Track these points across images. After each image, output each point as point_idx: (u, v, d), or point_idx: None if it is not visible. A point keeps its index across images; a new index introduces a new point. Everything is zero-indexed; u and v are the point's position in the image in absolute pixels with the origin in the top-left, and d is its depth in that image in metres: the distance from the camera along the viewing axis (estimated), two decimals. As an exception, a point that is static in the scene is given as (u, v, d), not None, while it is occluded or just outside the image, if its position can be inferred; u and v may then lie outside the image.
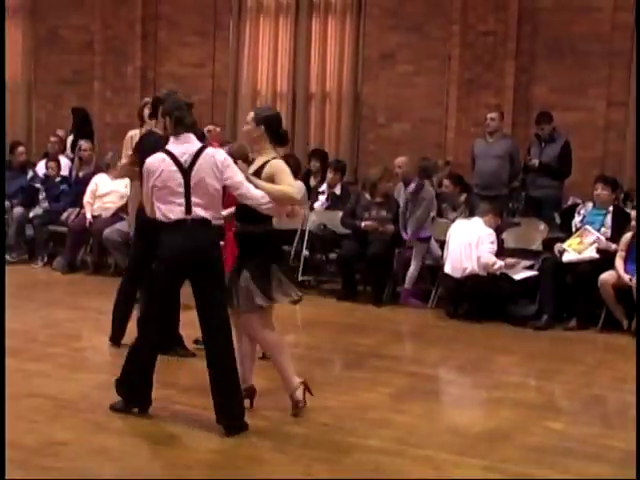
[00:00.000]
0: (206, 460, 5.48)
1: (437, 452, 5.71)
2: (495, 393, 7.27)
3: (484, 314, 9.76)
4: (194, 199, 5.85)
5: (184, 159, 5.87)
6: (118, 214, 11.84)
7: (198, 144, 5.97)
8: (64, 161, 13.20)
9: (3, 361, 1.95)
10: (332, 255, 11.36)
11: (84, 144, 12.97)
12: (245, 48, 13.93)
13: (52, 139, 13.58)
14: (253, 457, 5.57)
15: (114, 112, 14.35)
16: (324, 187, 11.98)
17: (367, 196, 10.96)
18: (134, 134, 8.32)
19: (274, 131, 6.25)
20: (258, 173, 6.10)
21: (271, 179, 6.05)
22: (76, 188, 12.59)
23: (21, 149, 13.39)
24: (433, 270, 10.83)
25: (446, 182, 11.08)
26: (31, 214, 12.73)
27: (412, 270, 10.66)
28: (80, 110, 14.04)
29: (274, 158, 6.19)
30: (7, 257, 12.46)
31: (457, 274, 9.83)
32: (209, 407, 5.95)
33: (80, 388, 6.58)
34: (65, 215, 12.40)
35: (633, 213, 9.81)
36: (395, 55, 13.07)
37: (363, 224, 10.69)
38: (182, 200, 5.85)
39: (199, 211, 5.87)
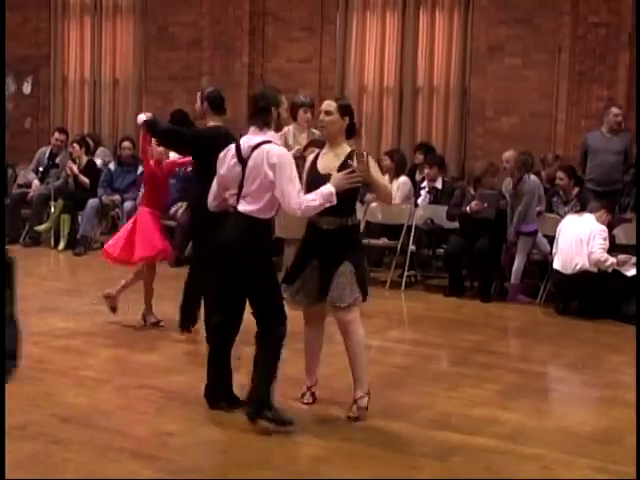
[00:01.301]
0: (311, 454, 5.48)
1: (547, 451, 5.60)
2: (606, 392, 7.11)
3: (595, 311, 9.55)
4: (244, 191, 5.80)
5: (244, 151, 5.84)
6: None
7: (261, 138, 5.84)
8: (172, 156, 13.35)
9: (3, 361, 1.99)
10: (439, 250, 11.27)
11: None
12: (352, 43, 13.91)
13: (162, 134, 13.78)
14: (358, 453, 5.54)
15: (222, 107, 14.47)
16: (425, 182, 11.85)
17: (471, 191, 10.81)
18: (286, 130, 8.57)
19: (352, 122, 6.16)
20: (345, 165, 5.93)
21: None
22: (185, 183, 12.72)
23: (126, 144, 13.60)
24: (542, 265, 10.65)
25: (560, 174, 10.83)
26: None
27: (517, 265, 10.50)
28: (178, 113, 14.14)
29: (353, 150, 6.07)
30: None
31: (567, 270, 9.65)
32: (323, 403, 5.93)
33: (187, 380, 6.65)
34: (173, 210, 12.56)
35: None
36: (504, 48, 12.88)
37: (468, 208, 10.51)
38: (235, 191, 5.87)
39: (244, 205, 5.80)
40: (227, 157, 5.96)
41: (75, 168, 13.11)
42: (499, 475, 5.22)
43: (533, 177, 10.64)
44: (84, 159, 13.38)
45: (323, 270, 6.02)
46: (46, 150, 14.09)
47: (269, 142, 5.81)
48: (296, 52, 14.26)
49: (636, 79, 11.18)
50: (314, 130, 8.61)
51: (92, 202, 13.20)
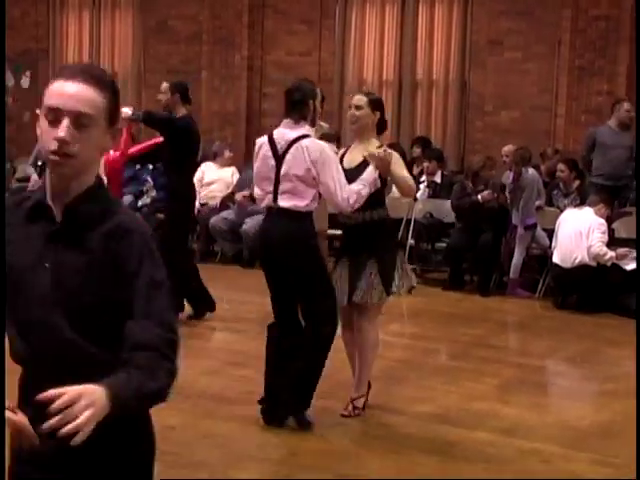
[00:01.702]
0: (312, 448, 5.48)
1: (546, 445, 5.61)
2: (606, 386, 7.12)
3: (594, 305, 9.56)
4: (282, 187, 5.62)
5: (280, 146, 5.67)
6: (225, 202, 11.94)
7: (298, 132, 5.65)
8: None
9: (3, 360, 1.97)
10: (438, 244, 11.26)
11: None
12: (351, 36, 13.89)
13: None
14: (358, 447, 5.56)
15: (222, 101, 14.47)
16: (424, 176, 11.82)
17: (470, 184, 10.80)
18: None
19: (383, 117, 6.05)
20: (366, 161, 5.81)
21: None
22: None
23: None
24: (541, 259, 10.65)
25: (561, 166, 10.81)
26: (139, 203, 12.93)
27: (516, 259, 10.49)
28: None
29: (382, 145, 6.01)
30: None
31: (566, 264, 9.65)
32: (322, 396, 5.93)
33: (188, 374, 6.64)
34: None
35: None
36: (503, 41, 12.86)
37: (479, 196, 10.48)
38: (271, 187, 5.72)
39: (283, 201, 5.63)
40: (261, 151, 5.82)
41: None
42: (497, 467, 5.23)
43: (532, 171, 10.63)
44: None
45: (351, 267, 5.93)
46: (45, 144, 14.07)
47: (307, 136, 5.61)
48: (295, 45, 14.24)
49: (636, 74, 11.14)
50: (322, 123, 8.54)
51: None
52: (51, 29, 16.10)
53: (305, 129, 5.65)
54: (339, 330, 5.93)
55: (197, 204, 12.03)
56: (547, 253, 10.26)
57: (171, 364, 2.30)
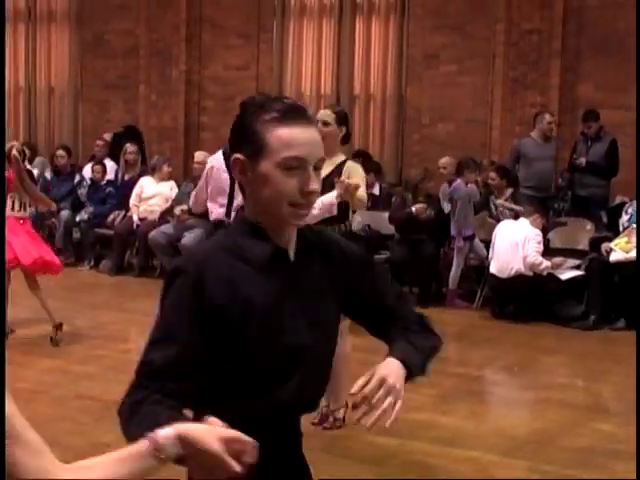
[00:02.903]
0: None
1: (483, 453, 5.68)
2: (542, 394, 7.21)
3: (530, 314, 9.68)
4: (235, 202, 5.65)
5: None
6: (164, 217, 11.91)
7: None
8: (110, 164, 13.31)
9: (3, 360, 1.95)
10: (377, 256, 11.33)
11: (129, 147, 13.00)
12: (289, 50, 13.94)
13: (98, 143, 13.70)
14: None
15: (159, 115, 14.43)
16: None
17: (409, 197, 10.91)
18: None
19: (348, 131, 6.07)
20: (339, 171, 5.88)
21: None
22: (122, 191, 12.68)
23: (61, 152, 13.49)
24: (479, 270, 10.77)
25: (492, 174, 10.94)
26: (77, 218, 12.85)
27: (454, 270, 10.59)
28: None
29: (347, 159, 6.05)
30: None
31: (503, 274, 9.77)
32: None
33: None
34: (111, 218, 12.49)
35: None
36: (439, 55, 13.00)
37: (413, 208, 10.57)
38: (225, 201, 5.74)
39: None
40: (215, 166, 5.76)
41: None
42: (435, 477, 5.28)
43: (459, 183, 10.71)
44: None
45: None
46: (-20, 159, 13.92)
47: None
48: (233, 59, 14.26)
49: (636, 78, 11.24)
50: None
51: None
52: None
53: None
54: None
55: (136, 218, 12.02)
56: (485, 264, 10.38)
57: (433, 330, 2.61)
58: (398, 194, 11.60)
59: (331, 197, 5.64)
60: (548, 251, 10.04)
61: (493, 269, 9.93)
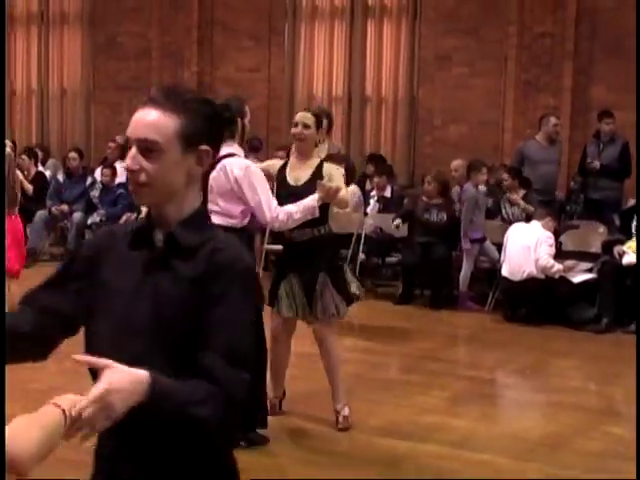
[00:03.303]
0: (263, 464, 5.47)
1: (495, 457, 5.66)
2: (554, 397, 7.19)
3: (543, 317, 9.65)
4: (210, 206, 5.51)
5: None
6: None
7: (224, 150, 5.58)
8: (122, 166, 13.31)
9: (3, 360, 1.96)
10: (389, 259, 11.32)
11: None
12: (300, 52, 13.94)
13: (110, 145, 13.71)
14: (306, 461, 5.55)
15: (171, 117, 14.41)
16: (374, 191, 11.88)
17: (424, 199, 10.87)
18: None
19: (323, 133, 6.19)
20: (319, 174, 5.92)
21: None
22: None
23: (73, 155, 13.52)
24: (490, 273, 10.74)
25: (504, 175, 10.92)
26: (89, 220, 12.87)
27: (463, 272, 10.58)
28: None
29: (323, 161, 6.11)
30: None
31: (515, 277, 9.74)
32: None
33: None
34: (123, 220, 12.49)
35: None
36: (451, 57, 12.98)
37: (393, 224, 10.68)
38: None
39: (215, 219, 5.61)
40: None
41: (20, 174, 12.97)
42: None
43: (469, 185, 10.70)
44: (33, 170, 13.28)
45: (301, 282, 5.96)
46: (-7, 161, 13.94)
47: (232, 155, 5.61)
48: (245, 61, 14.27)
49: (636, 78, 11.20)
50: (334, 143, 8.64)
51: (40, 214, 13.09)
52: (-2, 45, 15.97)
53: (232, 148, 5.64)
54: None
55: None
56: (496, 266, 10.35)
57: (233, 410, 2.18)
58: (411, 196, 11.58)
59: (312, 200, 5.66)
60: (560, 254, 10.01)
61: (505, 272, 9.90)
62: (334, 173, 6.02)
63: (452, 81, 13.00)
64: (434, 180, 10.79)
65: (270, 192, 5.65)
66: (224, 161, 5.57)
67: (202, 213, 2.38)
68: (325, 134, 8.81)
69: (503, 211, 10.94)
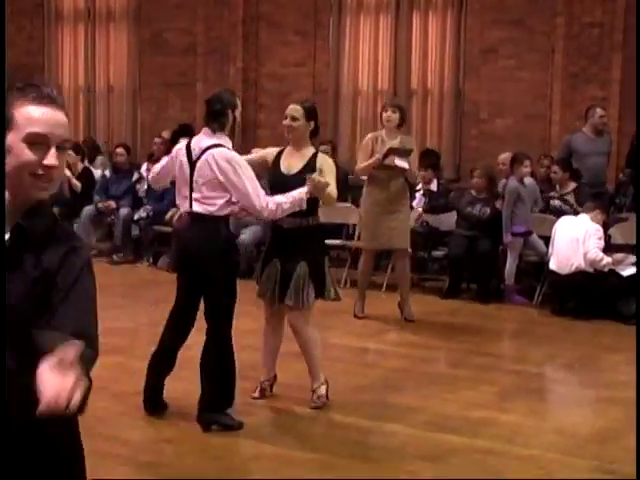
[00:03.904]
0: (311, 460, 5.47)
1: (544, 452, 5.60)
2: (604, 392, 7.10)
3: (591, 311, 9.54)
4: (194, 194, 5.81)
5: (194, 153, 5.85)
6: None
7: (211, 141, 5.82)
8: (168, 162, 13.35)
9: (4, 361, 1.96)
10: (435, 253, 11.26)
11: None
12: (346, 46, 13.92)
13: (156, 140, 13.76)
14: (355, 456, 5.53)
15: (217, 113, 14.46)
16: (420, 185, 11.80)
17: (473, 192, 10.82)
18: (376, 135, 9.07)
19: (316, 125, 6.30)
20: (311, 165, 6.11)
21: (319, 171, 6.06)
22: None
23: (120, 150, 13.62)
24: (538, 266, 10.65)
25: (555, 168, 10.84)
26: (136, 215, 12.94)
27: (508, 266, 10.50)
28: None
29: (319, 152, 6.33)
30: (114, 257, 12.72)
31: (563, 270, 9.65)
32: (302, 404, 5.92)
33: (184, 386, 6.61)
34: (169, 215, 12.54)
35: None
36: (497, 49, 12.89)
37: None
38: (188, 193, 5.86)
39: (196, 206, 5.82)
40: (178, 158, 5.98)
41: (68, 173, 13.09)
42: (495, 476, 5.21)
43: (512, 179, 10.62)
44: (79, 166, 13.38)
45: (283, 269, 6.16)
46: (42, 158, 14.06)
47: (219, 146, 5.78)
48: (290, 56, 14.27)
49: (636, 79, 11.12)
50: (403, 137, 8.93)
51: (88, 209, 13.18)
52: (46, 43, 16.12)
53: (221, 139, 5.82)
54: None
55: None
56: (544, 260, 10.26)
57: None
58: (457, 189, 11.51)
59: (301, 192, 5.83)
60: (609, 247, 9.89)
61: (553, 265, 9.81)
62: (326, 167, 6.16)
63: (498, 73, 12.90)
64: (483, 174, 10.74)
65: (258, 182, 5.81)
66: (210, 151, 5.76)
67: (46, 204, 2.51)
68: (397, 127, 9.02)
69: (551, 204, 10.85)
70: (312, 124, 6.24)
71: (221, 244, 5.85)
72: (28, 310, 2.34)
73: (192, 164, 5.82)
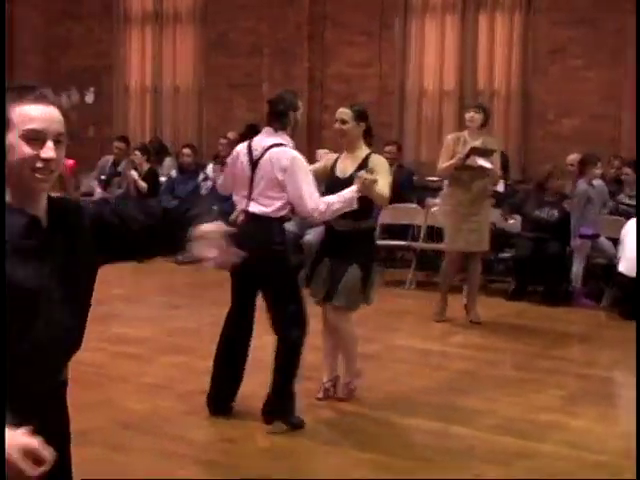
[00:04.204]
0: (376, 462, 5.44)
1: (614, 458, 5.50)
2: (675, 398, 6.95)
3: (661, 315, 9.36)
4: (253, 193, 5.85)
5: (255, 152, 5.89)
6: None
7: (274, 140, 5.86)
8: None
9: (4, 361, 1.98)
10: (501, 254, 11.14)
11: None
12: (411, 47, 13.84)
13: (222, 141, 13.82)
14: (418, 459, 5.49)
15: (282, 114, 14.47)
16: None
17: (549, 197, 10.72)
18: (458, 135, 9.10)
19: (368, 126, 6.32)
20: (363, 167, 6.09)
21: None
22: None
23: (186, 151, 13.72)
24: (606, 269, 10.49)
25: (626, 169, 10.71)
26: (203, 217, 12.97)
27: (575, 268, 10.36)
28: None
29: (372, 152, 6.30)
30: (178, 257, 12.77)
31: (632, 273, 9.48)
32: (381, 408, 5.89)
33: (250, 387, 6.62)
34: (234, 215, 12.56)
35: None
36: (565, 49, 12.72)
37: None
38: (246, 192, 5.89)
39: (254, 206, 5.85)
40: (239, 157, 5.99)
41: (135, 174, 13.20)
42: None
43: (581, 181, 10.48)
44: (145, 166, 13.49)
45: (333, 271, 6.18)
46: (109, 159, 14.21)
47: (282, 145, 5.83)
48: (356, 56, 14.21)
49: (636, 79, 10.90)
50: (486, 137, 8.95)
51: (153, 209, 13.26)
52: (114, 45, 16.28)
53: (282, 138, 5.88)
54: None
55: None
56: (612, 262, 10.11)
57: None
58: (523, 190, 11.39)
59: (351, 191, 5.83)
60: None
61: (621, 268, 9.66)
62: (379, 167, 6.13)
63: (565, 73, 12.73)
64: (562, 176, 10.66)
65: (313, 184, 5.84)
66: (273, 149, 5.81)
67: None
68: (480, 128, 8.99)
69: (620, 206, 10.69)
70: (363, 125, 6.27)
71: (276, 245, 5.88)
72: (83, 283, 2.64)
73: (253, 163, 5.86)
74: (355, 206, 5.85)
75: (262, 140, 5.91)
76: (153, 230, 2.86)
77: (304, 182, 5.74)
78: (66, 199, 2.74)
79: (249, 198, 5.87)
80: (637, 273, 9.17)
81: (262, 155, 5.82)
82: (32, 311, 2.48)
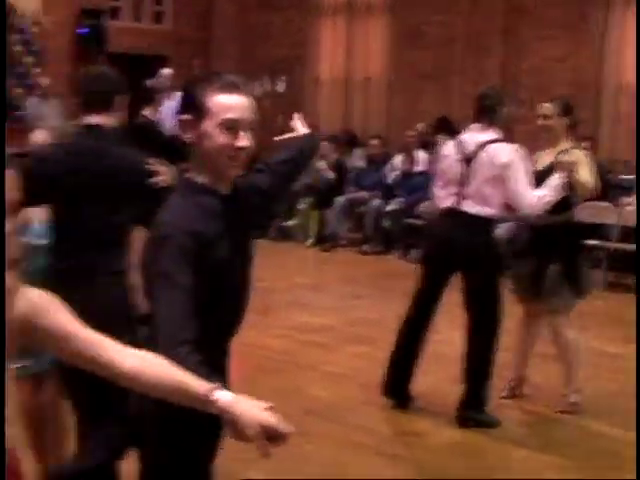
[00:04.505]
0: (562, 466, 5.29)
1: None
2: None
3: None
4: (467, 191, 5.74)
5: (469, 149, 5.79)
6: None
7: (489, 136, 5.77)
8: (421, 155, 13.33)
9: (4, 361, 1.95)
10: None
11: (442, 139, 12.98)
12: (611, 40, 13.40)
13: (409, 133, 13.77)
14: (609, 466, 5.30)
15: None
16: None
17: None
18: None
19: (573, 120, 6.15)
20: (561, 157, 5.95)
21: None
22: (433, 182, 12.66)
23: (374, 142, 13.76)
24: None
25: None
26: (388, 207, 13.00)
27: None
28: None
29: (573, 147, 6.10)
30: (363, 247, 12.84)
31: None
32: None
33: (434, 380, 6.56)
34: (421, 208, 12.52)
35: None
36: None
37: None
38: (456, 190, 5.77)
39: (468, 205, 5.75)
40: (448, 154, 5.94)
41: (323, 163, 13.32)
42: None
43: None
44: (333, 157, 13.58)
45: (536, 268, 6.02)
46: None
47: (498, 140, 5.76)
48: (551, 50, 13.88)
49: (636, 79, 10.14)
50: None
51: (339, 200, 13.38)
52: (307, 35, 16.47)
53: (498, 134, 5.80)
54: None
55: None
56: None
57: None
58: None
59: (555, 178, 5.73)
60: None
61: None
62: (579, 158, 5.94)
63: None
64: None
65: (530, 178, 5.76)
66: (491, 146, 5.72)
67: None
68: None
69: None
70: (567, 120, 6.10)
71: (494, 248, 5.88)
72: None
73: (466, 161, 5.78)
74: (565, 192, 5.77)
75: (474, 136, 5.82)
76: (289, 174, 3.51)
77: (522, 178, 5.67)
78: (240, 178, 2.91)
79: (461, 196, 5.78)
80: (637, 273, 8.70)
81: (477, 152, 5.73)
82: (229, 277, 2.77)
